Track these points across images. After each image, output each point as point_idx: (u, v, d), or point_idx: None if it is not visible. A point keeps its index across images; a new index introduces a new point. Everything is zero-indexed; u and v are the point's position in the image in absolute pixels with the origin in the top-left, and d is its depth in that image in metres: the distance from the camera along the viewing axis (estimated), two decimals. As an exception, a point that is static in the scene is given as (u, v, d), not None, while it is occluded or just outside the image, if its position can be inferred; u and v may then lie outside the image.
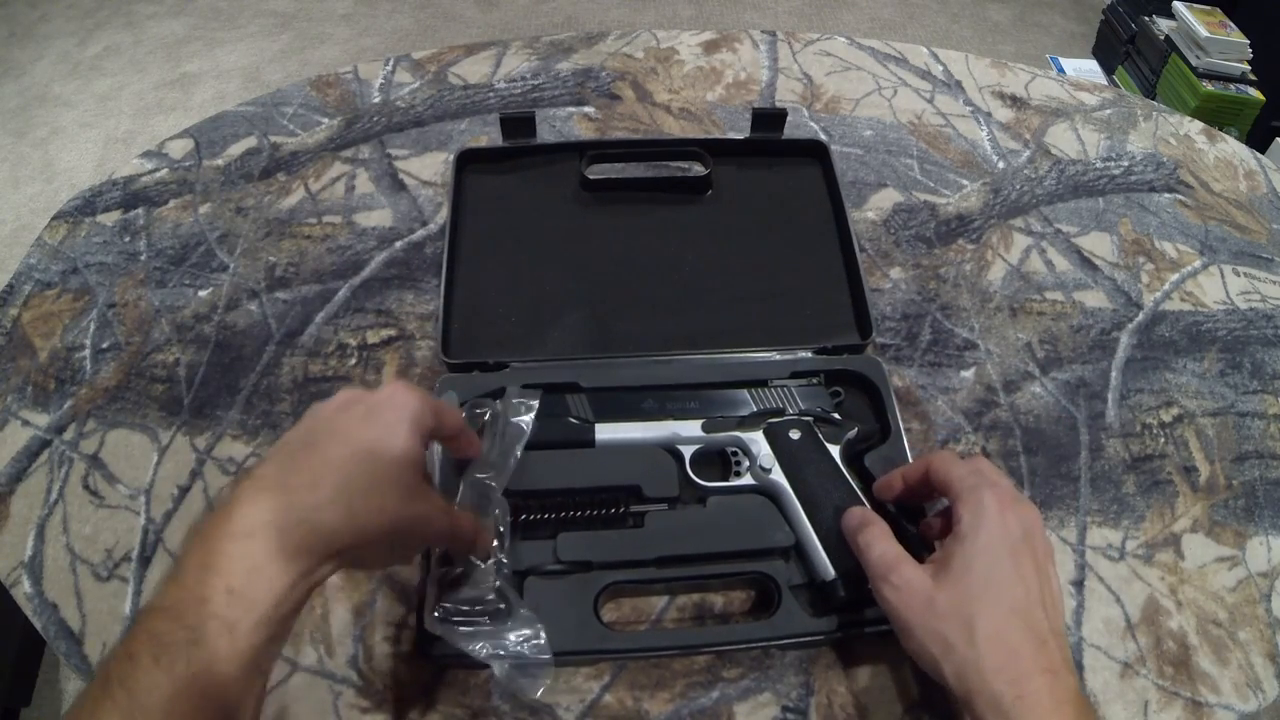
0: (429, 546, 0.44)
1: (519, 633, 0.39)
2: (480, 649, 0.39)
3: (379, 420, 0.36)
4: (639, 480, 0.48)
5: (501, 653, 0.39)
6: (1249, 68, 1.83)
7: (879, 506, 0.47)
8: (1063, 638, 0.38)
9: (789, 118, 0.66)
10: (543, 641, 0.39)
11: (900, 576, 0.39)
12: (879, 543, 0.41)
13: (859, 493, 0.47)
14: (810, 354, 0.55)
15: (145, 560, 0.48)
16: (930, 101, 0.81)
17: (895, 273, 0.65)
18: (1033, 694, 0.35)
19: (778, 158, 0.66)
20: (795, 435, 0.49)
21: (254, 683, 0.31)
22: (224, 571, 0.30)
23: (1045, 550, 0.40)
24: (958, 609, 0.37)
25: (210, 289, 0.62)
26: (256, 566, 0.31)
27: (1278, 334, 0.64)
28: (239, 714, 0.31)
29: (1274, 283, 0.67)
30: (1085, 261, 0.67)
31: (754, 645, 0.45)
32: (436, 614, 0.40)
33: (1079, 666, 0.46)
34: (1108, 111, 0.82)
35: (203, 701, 0.29)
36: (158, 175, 0.71)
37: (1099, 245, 0.69)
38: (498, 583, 0.41)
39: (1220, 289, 0.66)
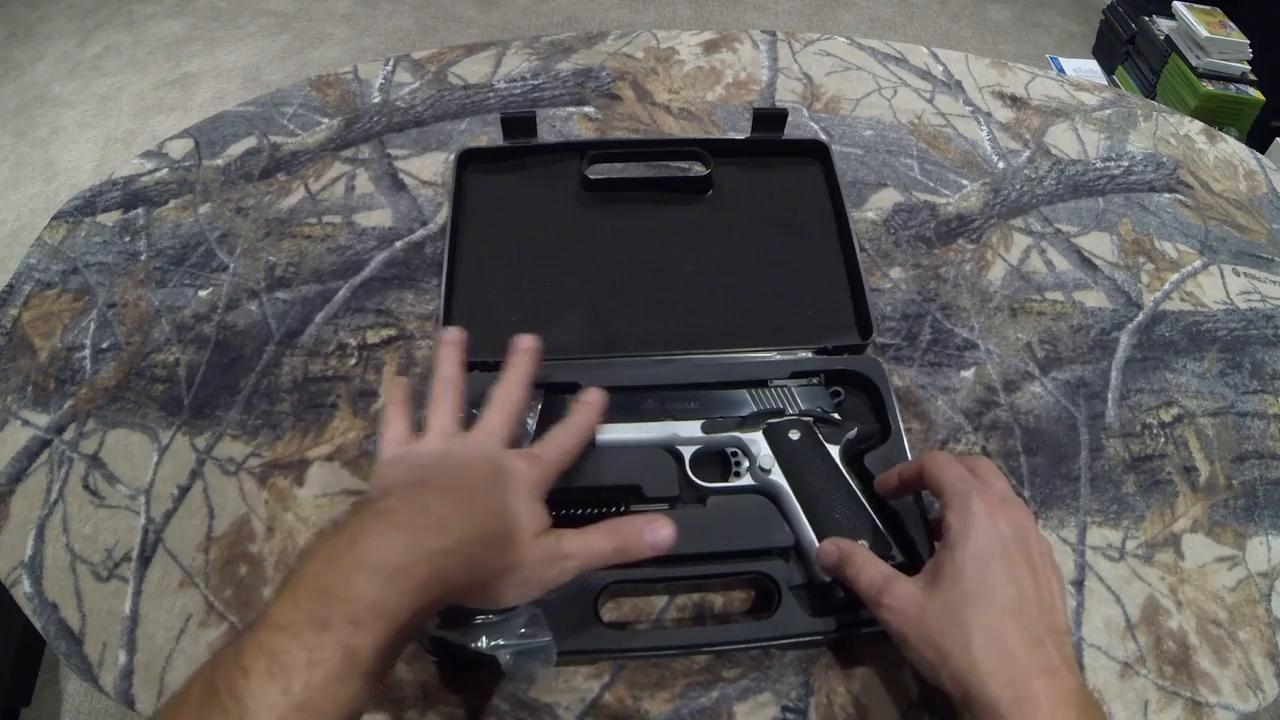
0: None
1: (518, 623, 0.39)
2: (481, 644, 0.39)
3: (504, 483, 0.38)
4: (639, 480, 0.48)
5: (503, 643, 0.39)
6: (1249, 68, 1.83)
7: (881, 503, 0.47)
8: (1063, 635, 0.38)
9: (789, 118, 0.66)
10: (543, 627, 0.39)
11: (891, 595, 0.39)
12: (865, 569, 0.41)
13: (858, 493, 0.47)
14: (810, 354, 0.55)
15: (145, 560, 0.48)
16: (930, 101, 0.81)
17: (895, 273, 0.65)
18: (1031, 696, 0.35)
19: (778, 158, 0.66)
20: (795, 435, 0.49)
21: (365, 704, 0.32)
22: (347, 599, 0.31)
23: (1040, 549, 0.40)
24: (951, 616, 0.37)
25: (210, 289, 0.62)
26: (380, 600, 0.31)
27: (1278, 334, 0.64)
28: None
29: (1274, 283, 0.67)
30: (1085, 261, 0.67)
31: (754, 645, 0.45)
32: (437, 620, 0.40)
33: (1079, 666, 0.46)
34: (1108, 111, 0.82)
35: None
36: (158, 175, 0.71)
37: (1099, 245, 0.69)
38: None
39: (1220, 289, 0.66)
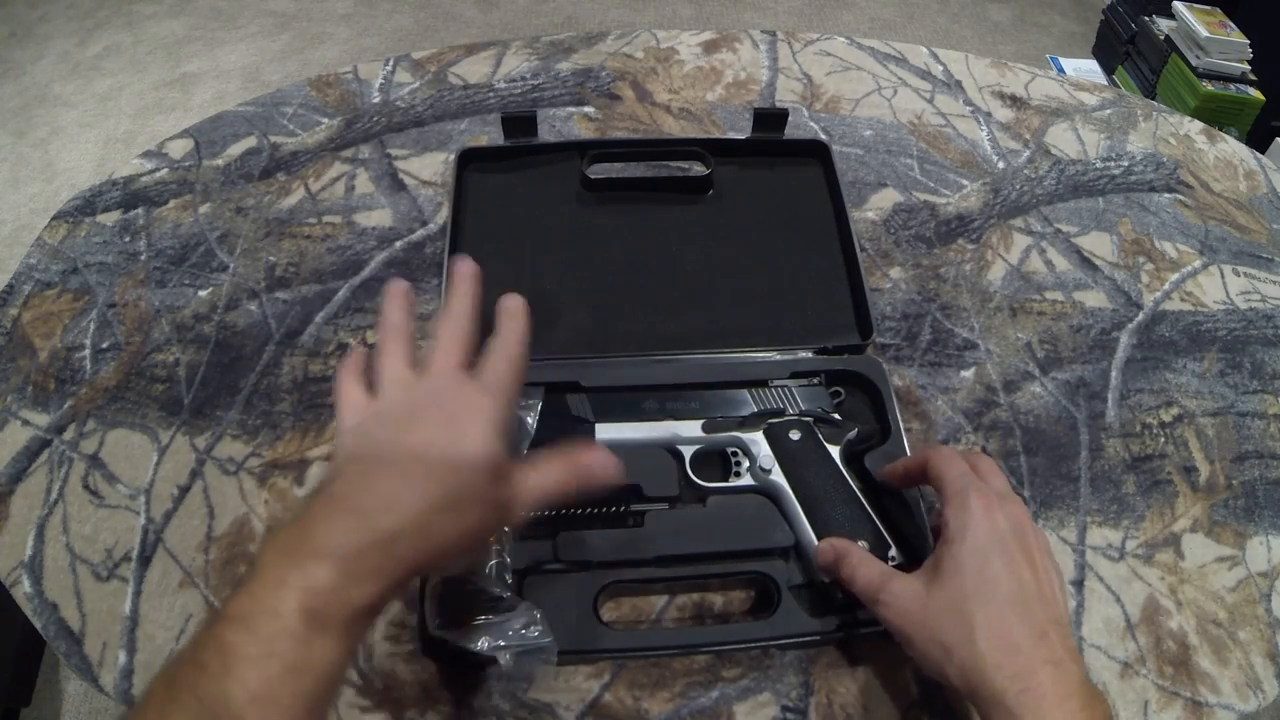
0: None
1: (517, 623, 0.39)
2: (481, 644, 0.39)
3: (458, 432, 0.34)
4: (639, 480, 0.48)
5: (503, 643, 0.39)
6: (1249, 68, 1.83)
7: (880, 503, 0.47)
8: (1065, 627, 0.38)
9: (789, 118, 0.66)
10: (543, 626, 0.39)
11: (890, 593, 0.40)
12: (861, 568, 0.41)
13: (858, 493, 0.47)
14: (810, 354, 0.55)
15: (145, 560, 0.48)
16: (930, 101, 0.81)
17: (895, 273, 0.65)
18: (1036, 687, 0.35)
19: (778, 158, 0.66)
20: (795, 435, 0.49)
21: (327, 696, 0.31)
22: (299, 589, 0.30)
23: (1038, 544, 0.40)
24: (953, 610, 0.37)
25: (210, 289, 0.62)
26: (333, 589, 0.31)
27: (1278, 334, 0.64)
28: None
29: (1274, 283, 0.67)
30: (1085, 261, 0.67)
31: (754, 645, 0.45)
32: (438, 620, 0.40)
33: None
34: (1108, 111, 0.82)
35: (275, 713, 0.29)
36: (158, 175, 0.71)
37: (1099, 245, 0.69)
38: (507, 577, 0.41)
39: (1220, 289, 0.66)
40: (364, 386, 0.39)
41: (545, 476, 0.37)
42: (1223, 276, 0.67)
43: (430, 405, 0.36)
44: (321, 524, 0.32)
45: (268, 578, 0.31)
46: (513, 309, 0.41)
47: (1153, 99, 1.73)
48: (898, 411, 0.52)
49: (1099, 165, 0.76)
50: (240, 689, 0.28)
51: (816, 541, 0.45)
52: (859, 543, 0.45)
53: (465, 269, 0.42)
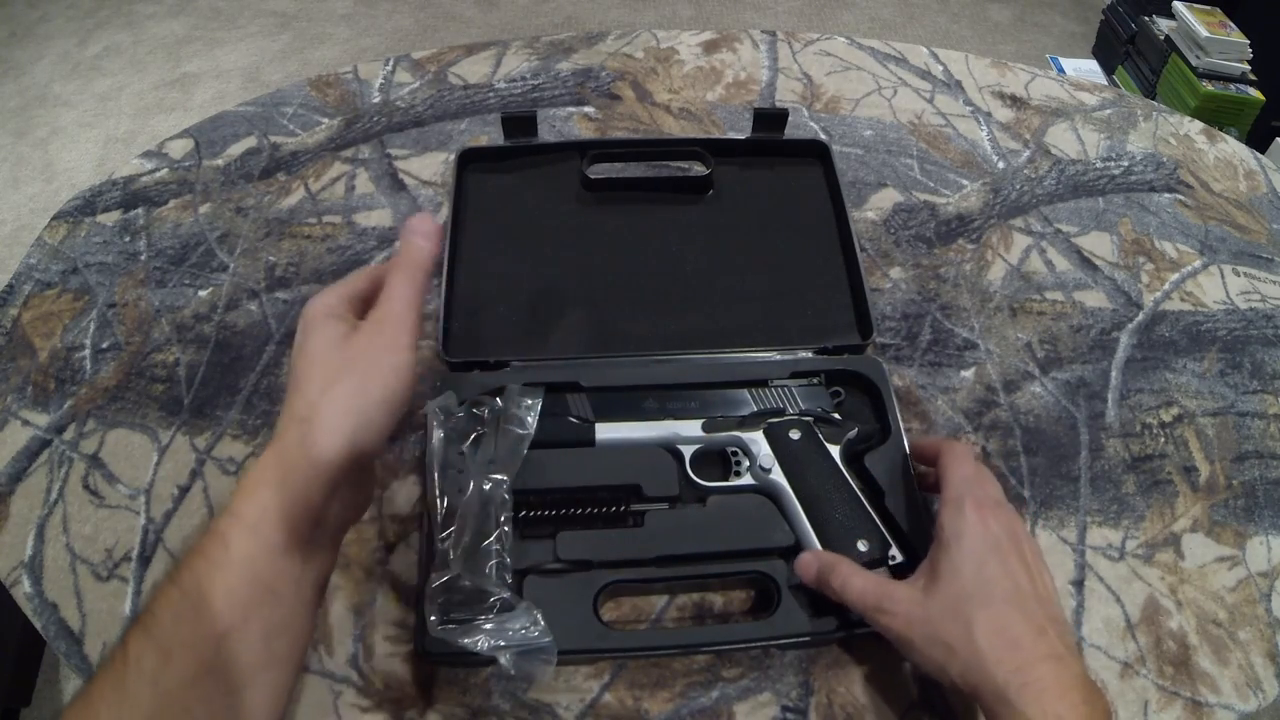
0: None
1: (517, 623, 0.39)
2: (481, 644, 0.39)
3: (303, 322, 0.39)
4: (639, 480, 0.48)
5: (503, 643, 0.39)
6: (1249, 68, 1.83)
7: (881, 503, 0.47)
8: (1063, 625, 0.38)
9: (789, 118, 0.66)
10: (542, 626, 0.39)
11: (890, 600, 0.40)
12: (853, 579, 0.41)
13: (859, 493, 0.47)
14: (810, 354, 0.55)
15: (145, 560, 0.48)
16: (930, 101, 0.81)
17: (895, 273, 0.65)
18: (1037, 680, 0.35)
19: (779, 158, 0.66)
20: (795, 435, 0.49)
21: (283, 567, 0.35)
22: (248, 473, 0.36)
23: (1032, 548, 0.41)
24: (953, 611, 0.38)
25: (210, 289, 0.62)
26: (264, 461, 0.36)
27: (1278, 334, 0.64)
28: (227, 676, 0.33)
29: (1274, 283, 0.67)
30: (1085, 261, 0.67)
31: (754, 645, 0.45)
32: (435, 618, 0.40)
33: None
34: (1108, 111, 0.82)
35: (200, 608, 0.33)
36: (158, 175, 0.71)
37: (1099, 245, 0.69)
38: (507, 577, 0.41)
39: (1220, 289, 0.66)
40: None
41: (391, 293, 0.40)
42: (1223, 276, 0.67)
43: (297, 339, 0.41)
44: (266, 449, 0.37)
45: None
46: (419, 229, 0.43)
47: (1153, 99, 1.73)
48: (898, 411, 0.52)
49: (1099, 165, 0.76)
50: (203, 560, 0.34)
51: (818, 542, 0.45)
52: (858, 543, 0.45)
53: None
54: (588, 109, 0.77)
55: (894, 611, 0.40)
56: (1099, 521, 0.53)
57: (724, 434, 0.50)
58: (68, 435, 0.54)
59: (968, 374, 0.59)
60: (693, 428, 0.50)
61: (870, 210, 0.70)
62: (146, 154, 0.73)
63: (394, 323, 0.39)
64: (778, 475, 0.48)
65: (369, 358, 0.38)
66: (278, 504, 0.35)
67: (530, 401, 0.47)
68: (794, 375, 0.53)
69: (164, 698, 0.31)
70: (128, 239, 0.65)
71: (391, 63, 0.82)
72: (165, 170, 0.71)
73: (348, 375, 0.37)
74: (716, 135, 0.75)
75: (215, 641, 0.33)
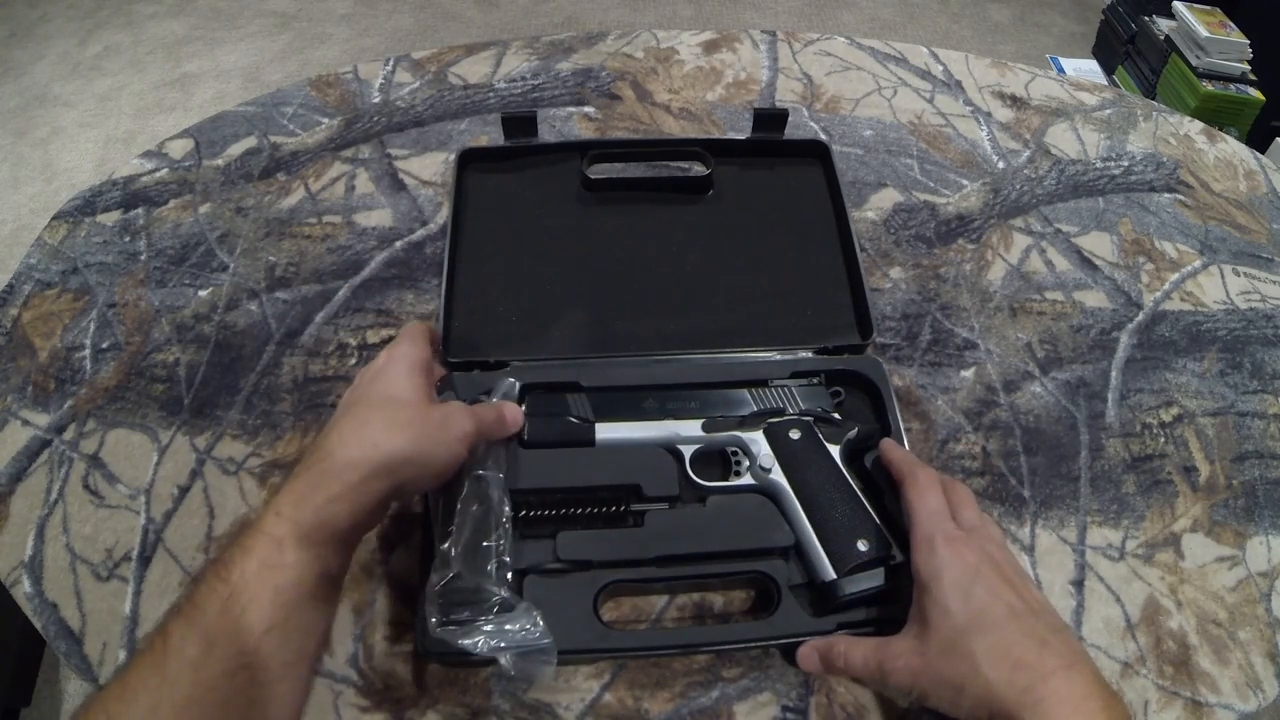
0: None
1: (517, 624, 0.39)
2: (481, 644, 0.39)
3: (382, 372, 0.43)
4: (639, 479, 0.48)
5: (503, 644, 0.39)
6: (1249, 68, 1.83)
7: (881, 503, 0.47)
8: (1065, 633, 0.38)
9: (789, 118, 0.66)
10: (541, 627, 0.39)
11: (890, 658, 0.40)
12: (852, 651, 0.41)
13: (859, 493, 0.47)
14: (810, 354, 0.55)
15: (145, 560, 0.48)
16: (930, 101, 0.81)
17: (895, 273, 0.65)
18: (1051, 695, 0.35)
19: (779, 158, 0.66)
20: (795, 435, 0.49)
21: (297, 597, 0.36)
22: (269, 504, 0.37)
23: (1012, 565, 0.41)
24: (954, 649, 0.38)
25: (210, 289, 0.62)
26: (298, 503, 0.37)
27: (1278, 334, 0.64)
28: (263, 670, 0.34)
29: (1274, 283, 0.67)
30: (1085, 261, 0.67)
31: (754, 645, 0.45)
32: (435, 618, 0.40)
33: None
34: (1108, 111, 0.82)
35: (251, 600, 0.34)
36: (158, 175, 0.71)
37: (1099, 245, 0.69)
38: (507, 576, 0.41)
39: (1220, 289, 0.66)
40: None
41: (471, 411, 0.44)
42: (1223, 276, 0.67)
43: (375, 368, 0.45)
44: (301, 463, 0.39)
45: (264, 507, 0.38)
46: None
47: (1153, 99, 1.73)
48: (898, 411, 0.52)
49: (1099, 165, 0.76)
50: (224, 585, 0.35)
51: (817, 541, 0.45)
52: (858, 543, 0.44)
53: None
54: (588, 109, 0.77)
55: (896, 668, 0.39)
56: (1099, 521, 0.53)
57: (724, 434, 0.50)
58: (68, 435, 0.54)
59: (968, 374, 0.59)
60: (693, 428, 0.50)
61: (870, 210, 0.70)
62: (146, 154, 0.73)
63: (462, 424, 0.43)
64: (778, 475, 0.48)
65: (437, 419, 0.42)
66: (331, 512, 0.37)
67: (506, 390, 0.47)
68: (794, 375, 0.53)
69: (203, 686, 0.32)
70: (128, 239, 0.65)
71: (391, 63, 0.82)
72: (165, 170, 0.71)
73: (411, 424, 0.41)
74: (716, 135, 0.75)
75: (258, 637, 0.34)
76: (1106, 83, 2.03)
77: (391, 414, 0.41)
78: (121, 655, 0.45)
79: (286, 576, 0.36)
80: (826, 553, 0.45)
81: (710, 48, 0.85)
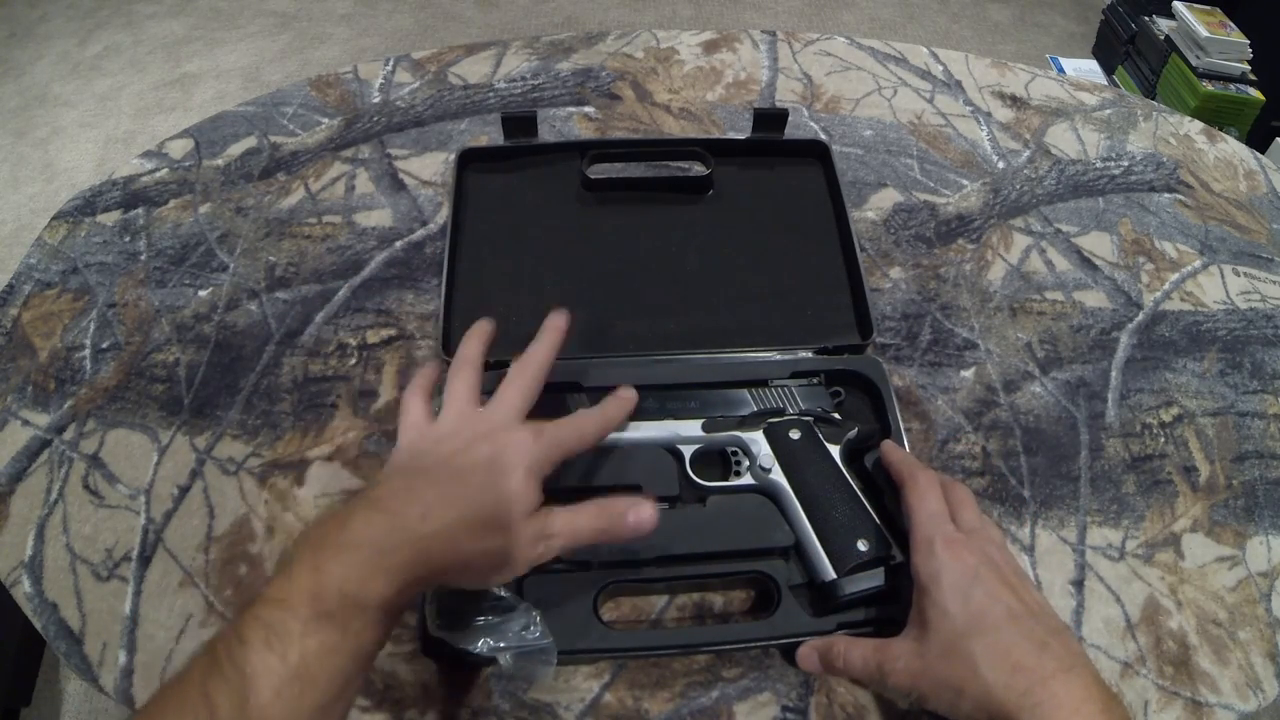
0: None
1: (517, 624, 0.40)
2: (481, 645, 0.39)
3: (499, 467, 0.38)
4: (639, 480, 0.48)
5: (503, 644, 0.39)
6: (1249, 68, 1.83)
7: (881, 503, 0.47)
8: (1065, 635, 0.38)
9: (789, 118, 0.66)
10: (541, 627, 0.39)
11: (889, 659, 0.40)
12: (851, 652, 0.41)
13: (859, 493, 0.47)
14: (810, 354, 0.55)
15: (145, 560, 0.48)
16: (930, 101, 0.81)
17: (895, 273, 0.65)
18: (1050, 698, 0.35)
19: (779, 158, 0.66)
20: (795, 435, 0.49)
21: (357, 677, 0.34)
22: (336, 576, 0.33)
23: (1012, 567, 0.41)
24: (953, 652, 0.38)
25: (210, 289, 0.62)
26: (365, 576, 0.33)
27: (1278, 334, 0.64)
28: (338, 705, 0.33)
29: (1274, 283, 0.67)
30: (1085, 261, 0.67)
31: (754, 645, 0.45)
32: (438, 620, 0.40)
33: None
34: (1108, 111, 0.82)
35: (309, 688, 0.31)
36: (158, 175, 0.71)
37: (1099, 245, 0.69)
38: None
39: (1220, 289, 0.66)
40: (428, 407, 0.42)
41: (576, 520, 0.39)
42: (1223, 276, 0.67)
43: (482, 439, 0.39)
44: (359, 521, 0.35)
45: (305, 564, 0.33)
46: (627, 397, 0.45)
47: (1153, 99, 1.73)
48: (898, 411, 0.52)
49: (1099, 165, 0.76)
50: (280, 663, 0.31)
51: (818, 541, 0.45)
52: (858, 543, 0.44)
53: (559, 323, 0.45)
54: (588, 109, 0.77)
55: (895, 669, 0.39)
56: (1099, 521, 0.53)
57: (724, 434, 0.50)
58: (68, 435, 0.54)
59: (968, 374, 0.59)
60: (693, 428, 0.50)
61: (870, 210, 0.70)
62: (146, 154, 0.73)
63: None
64: (778, 475, 0.48)
65: (528, 537, 0.38)
66: (395, 590, 0.34)
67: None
68: (794, 375, 0.53)
69: None
70: (128, 239, 0.65)
71: (391, 63, 0.82)
72: (165, 170, 0.71)
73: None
74: (716, 135, 0.75)
75: (310, 714, 0.32)
76: (1106, 83, 2.03)
77: (488, 537, 0.36)
78: (121, 655, 0.45)
79: (349, 658, 0.33)
80: (826, 553, 0.45)
81: (710, 48, 0.85)
